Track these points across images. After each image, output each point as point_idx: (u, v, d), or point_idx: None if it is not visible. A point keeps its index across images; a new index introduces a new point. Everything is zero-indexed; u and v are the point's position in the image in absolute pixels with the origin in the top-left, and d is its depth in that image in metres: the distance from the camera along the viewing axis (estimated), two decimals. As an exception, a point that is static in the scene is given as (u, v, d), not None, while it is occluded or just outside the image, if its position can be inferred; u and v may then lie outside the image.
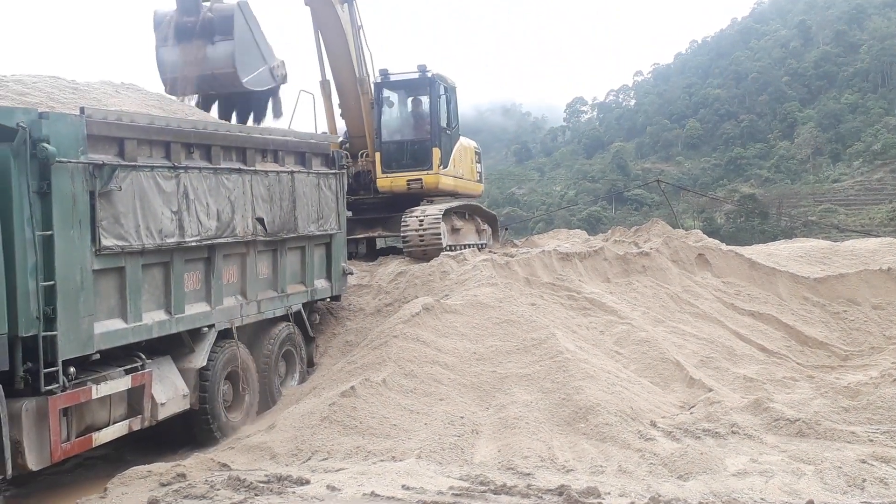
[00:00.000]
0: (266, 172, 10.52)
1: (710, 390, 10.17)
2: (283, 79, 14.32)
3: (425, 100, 16.74)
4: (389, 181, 16.31)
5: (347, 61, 15.97)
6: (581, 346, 11.01)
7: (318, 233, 11.69)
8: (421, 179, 16.29)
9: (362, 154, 16.36)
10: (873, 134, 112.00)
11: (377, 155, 16.32)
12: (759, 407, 9.12)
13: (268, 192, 10.50)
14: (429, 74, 16.64)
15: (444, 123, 16.81)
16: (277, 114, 14.49)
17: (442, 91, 16.78)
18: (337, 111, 16.68)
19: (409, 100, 17.09)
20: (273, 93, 14.40)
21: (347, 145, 16.18)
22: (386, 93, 16.70)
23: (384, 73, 16.53)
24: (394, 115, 16.94)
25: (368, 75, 16.36)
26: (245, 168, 10.10)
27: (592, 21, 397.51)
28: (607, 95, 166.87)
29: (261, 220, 10.29)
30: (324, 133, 15.65)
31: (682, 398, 10.19)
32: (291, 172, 11.05)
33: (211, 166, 9.51)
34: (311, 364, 11.92)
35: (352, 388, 9.20)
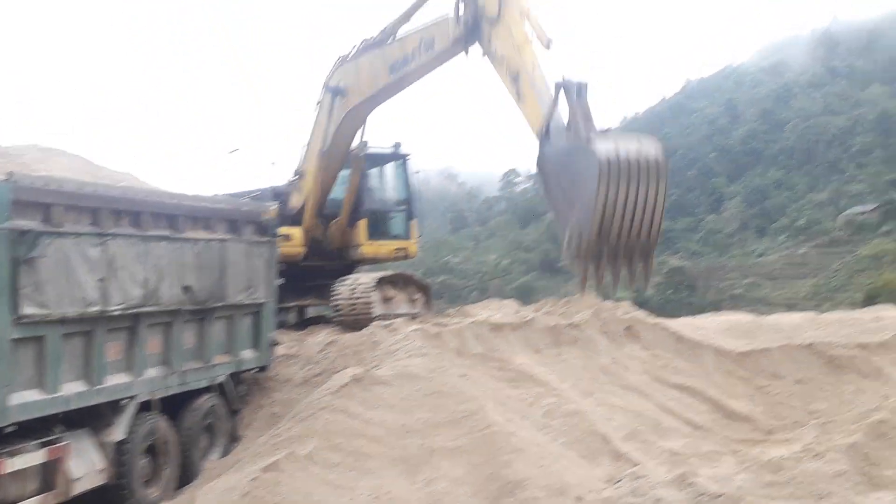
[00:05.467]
0: (195, 240, 10.42)
1: (637, 464, 10.21)
2: None
3: (401, 172, 17.62)
4: (374, 248, 16.89)
5: (354, 132, 16.13)
6: (510, 418, 10.98)
7: (248, 302, 11.56)
8: (406, 249, 17.43)
9: (334, 221, 16.45)
10: (798, 210, 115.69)
11: (363, 223, 16.72)
12: (684, 482, 9.17)
13: (197, 259, 10.39)
14: (401, 150, 17.63)
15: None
16: None
17: (411, 166, 17.71)
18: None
19: (387, 172, 17.88)
20: None
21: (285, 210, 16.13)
22: (369, 163, 17.18)
23: (364, 144, 16.78)
24: (376, 185, 17.59)
25: None
26: (174, 235, 9.99)
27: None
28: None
29: (188, 289, 10.15)
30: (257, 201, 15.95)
31: (609, 472, 10.19)
32: (222, 240, 10.96)
33: (139, 233, 9.40)
34: (234, 437, 11.66)
35: (275, 462, 9.00)
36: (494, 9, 11.56)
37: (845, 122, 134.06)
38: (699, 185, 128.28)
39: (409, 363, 11.79)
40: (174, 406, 10.42)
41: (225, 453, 11.22)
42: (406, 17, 14.06)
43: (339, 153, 15.82)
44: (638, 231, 9.13)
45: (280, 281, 12.65)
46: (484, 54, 12.00)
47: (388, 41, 14.26)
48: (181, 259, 10.05)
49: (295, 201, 16.20)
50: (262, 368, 12.43)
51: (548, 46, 10.85)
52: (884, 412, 11.62)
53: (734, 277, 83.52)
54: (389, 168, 17.91)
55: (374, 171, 17.67)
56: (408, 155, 17.86)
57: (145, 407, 9.65)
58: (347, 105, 15.12)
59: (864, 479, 9.46)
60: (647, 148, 9.16)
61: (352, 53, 15.07)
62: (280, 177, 17.44)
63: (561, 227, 9.48)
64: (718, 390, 14.03)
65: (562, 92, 9.90)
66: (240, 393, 11.98)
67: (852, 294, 75.21)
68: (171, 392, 10.11)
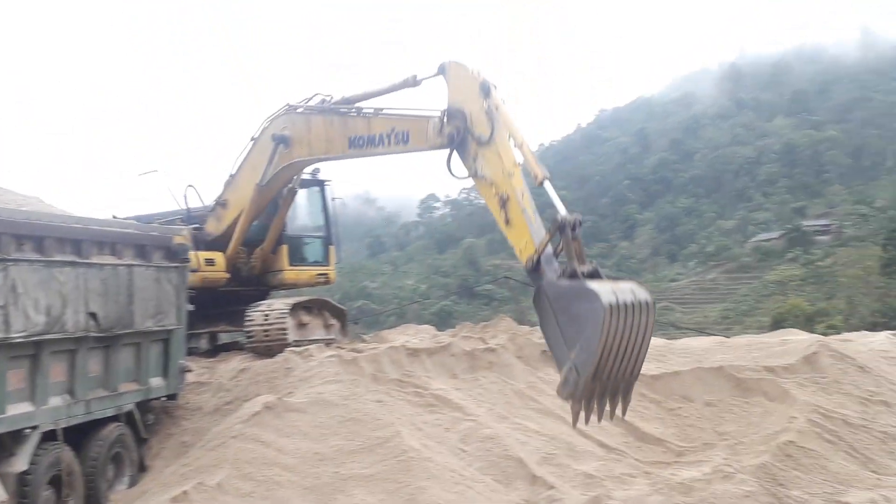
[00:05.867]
0: (102, 265, 10.13)
1: (552, 487, 10.26)
2: None
3: (319, 198, 17.53)
4: (295, 274, 16.73)
5: (292, 176, 15.88)
6: (426, 444, 10.93)
7: (156, 328, 11.27)
8: (327, 274, 17.41)
9: (259, 247, 16.23)
10: (707, 236, 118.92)
11: (284, 248, 16.51)
12: (598, 504, 9.25)
13: (103, 285, 10.10)
14: (319, 176, 17.40)
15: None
16: None
17: (329, 192, 17.62)
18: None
19: (306, 197, 17.63)
20: None
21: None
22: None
23: (298, 179, 16.56)
24: (295, 211, 17.26)
25: None
26: (79, 261, 9.70)
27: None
28: (459, 192, 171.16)
29: (94, 315, 9.86)
30: (170, 223, 15.62)
31: (524, 496, 10.23)
32: (129, 265, 10.68)
33: (42, 259, 9.10)
34: (142, 467, 11.30)
35: (184, 492, 8.79)
36: (486, 132, 11.45)
37: (752, 153, 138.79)
38: (612, 212, 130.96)
39: (324, 390, 11.65)
40: (79, 435, 10.06)
41: (132, 484, 10.86)
42: (373, 95, 13.73)
43: (275, 189, 15.64)
44: (626, 369, 9.55)
45: (190, 307, 12.38)
46: (468, 172, 11.86)
47: (352, 111, 13.82)
48: (86, 285, 9.75)
49: (212, 228, 15.89)
50: (172, 396, 12.12)
51: (541, 183, 10.90)
52: (791, 433, 11.95)
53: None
54: (308, 194, 17.71)
55: (300, 197, 17.45)
56: (326, 181, 17.72)
57: (49, 437, 9.29)
58: (291, 156, 14.80)
59: (772, 499, 9.70)
60: (639, 292, 9.63)
61: (303, 105, 14.61)
62: (196, 199, 17.07)
63: (557, 362, 9.77)
64: (631, 413, 14.17)
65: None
66: (148, 422, 11.64)
67: (760, 318, 77.43)
68: (75, 421, 9.77)
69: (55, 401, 9.43)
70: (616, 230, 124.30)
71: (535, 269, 10.22)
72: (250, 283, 16.44)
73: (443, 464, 10.15)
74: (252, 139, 15.34)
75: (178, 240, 12.24)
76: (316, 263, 17.48)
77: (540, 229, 10.75)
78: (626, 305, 9.27)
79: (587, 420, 9.48)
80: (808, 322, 56.84)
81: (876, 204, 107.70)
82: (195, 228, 15.67)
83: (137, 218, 15.89)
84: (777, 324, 53.52)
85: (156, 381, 11.56)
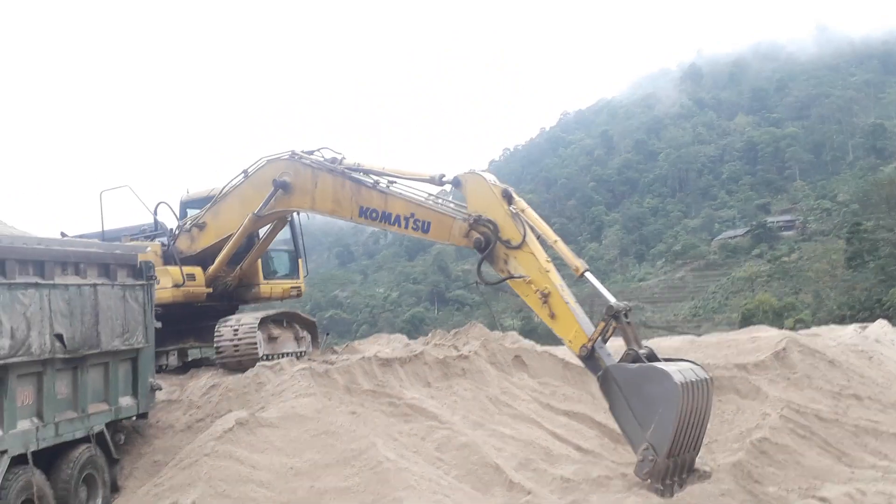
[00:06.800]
0: (66, 286, 9.96)
1: (529, 493, 10.23)
2: None
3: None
4: (269, 288, 16.80)
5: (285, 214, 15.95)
6: (402, 454, 10.87)
7: (124, 347, 11.10)
8: (299, 287, 17.60)
9: (240, 264, 16.08)
10: (674, 235, 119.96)
11: (258, 263, 16.47)
12: (576, 508, 9.24)
13: (68, 306, 9.92)
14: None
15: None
16: None
17: None
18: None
19: None
20: None
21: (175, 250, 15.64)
22: None
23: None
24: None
25: None
26: (43, 282, 9.53)
27: (410, 128, 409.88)
28: (426, 199, 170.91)
29: (60, 337, 9.68)
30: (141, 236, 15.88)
31: (502, 502, 10.19)
32: (94, 285, 10.51)
33: (5, 281, 8.93)
34: (115, 488, 11.09)
35: (158, 513, 8.66)
36: (517, 237, 11.86)
37: (714, 151, 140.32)
38: (579, 214, 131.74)
39: (297, 404, 11.55)
40: (50, 458, 9.88)
41: (105, 506, 10.71)
42: (391, 175, 13.62)
43: (269, 220, 15.58)
44: (692, 443, 10.38)
45: (158, 324, 12.22)
46: (502, 276, 12.17)
47: (368, 180, 13.63)
48: (51, 306, 9.58)
49: (184, 246, 15.72)
50: (143, 415, 11.94)
51: (581, 275, 11.61)
52: (764, 430, 12.02)
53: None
54: None
55: None
56: None
57: (18, 461, 9.11)
58: (290, 203, 14.73)
59: (748, 496, 9.74)
60: (698, 371, 10.55)
61: (310, 158, 14.41)
62: (170, 215, 16.92)
63: (631, 444, 10.50)
64: (605, 415, 14.20)
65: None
66: (119, 442, 11.44)
67: (729, 314, 78.25)
68: (45, 444, 9.58)
69: (24, 424, 9.25)
70: (584, 232, 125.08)
71: (590, 356, 10.92)
72: (223, 299, 16.32)
73: (419, 473, 10.08)
74: (244, 172, 15.19)
75: (143, 257, 12.08)
76: (286, 276, 17.56)
77: (585, 318, 11.36)
78: (692, 384, 10.09)
79: (665, 493, 9.96)
80: (776, 317, 57.56)
81: (838, 198, 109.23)
82: (166, 243, 15.59)
83: (102, 234, 15.73)
84: (746, 320, 54.12)
85: (125, 401, 11.38)
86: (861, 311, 53.07)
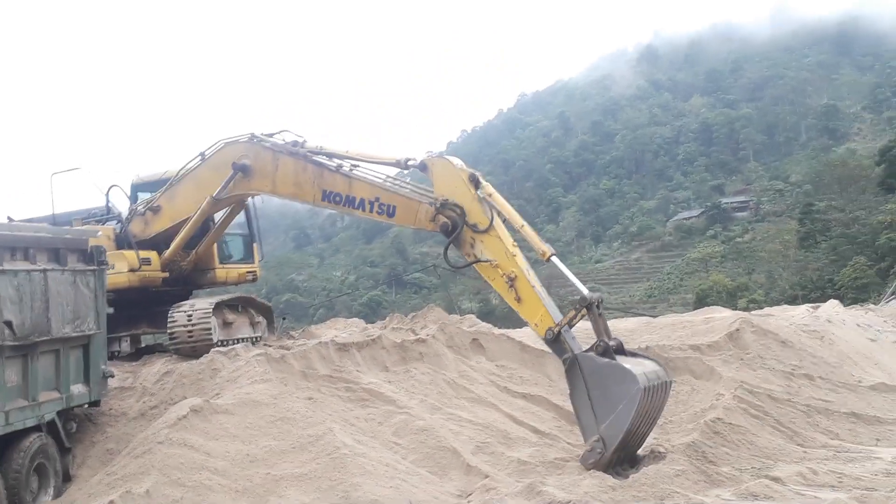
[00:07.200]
0: (15, 272, 9.74)
1: (487, 476, 10.26)
2: None
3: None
4: (225, 272, 16.67)
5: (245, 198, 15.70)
6: (359, 439, 10.83)
7: (75, 334, 10.90)
8: (255, 271, 17.49)
9: (195, 248, 15.84)
10: (630, 217, 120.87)
11: (214, 247, 16.28)
12: (533, 491, 9.28)
13: (17, 292, 9.71)
14: None
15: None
16: None
17: None
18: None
19: None
20: None
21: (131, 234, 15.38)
22: None
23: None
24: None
25: None
26: (-11, 268, 9.31)
27: (367, 109, 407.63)
28: (385, 181, 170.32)
29: (9, 324, 9.48)
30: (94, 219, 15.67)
31: (459, 486, 10.21)
32: (44, 270, 10.29)
33: (-50, 267, 8.71)
34: (67, 477, 10.92)
35: (111, 501, 8.56)
36: (484, 221, 11.86)
37: (670, 133, 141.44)
38: (537, 196, 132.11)
39: (252, 390, 11.44)
40: (0, 448, 9.70)
41: (57, 495, 10.51)
42: (355, 159, 13.48)
43: (227, 203, 15.30)
44: (639, 439, 10.81)
45: (110, 310, 12.02)
46: (469, 259, 12.13)
47: (331, 163, 13.47)
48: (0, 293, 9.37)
49: (138, 230, 15.46)
50: (95, 403, 11.75)
51: (548, 259, 11.71)
52: (718, 410, 12.18)
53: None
54: None
55: None
56: None
57: (-34, 452, 8.94)
58: (249, 187, 14.52)
59: (703, 477, 9.84)
60: (661, 373, 10.91)
61: (270, 141, 14.20)
62: (123, 198, 16.60)
63: (583, 431, 10.78)
64: (562, 397, 14.27)
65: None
66: (71, 430, 11.27)
67: (684, 295, 79.17)
68: (-6, 434, 9.41)
69: (-29, 414, 9.05)
70: (541, 214, 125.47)
71: (556, 339, 11.10)
72: (177, 283, 16.10)
73: (377, 458, 10.06)
74: (201, 154, 14.94)
75: (95, 242, 11.85)
76: (242, 261, 17.41)
77: (551, 302, 11.49)
78: (654, 388, 10.43)
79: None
80: (730, 297, 58.36)
81: (791, 179, 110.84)
82: (120, 226, 15.38)
83: (52, 218, 15.41)
84: (700, 300, 54.80)
85: (77, 389, 11.18)
86: (813, 291, 54.04)
